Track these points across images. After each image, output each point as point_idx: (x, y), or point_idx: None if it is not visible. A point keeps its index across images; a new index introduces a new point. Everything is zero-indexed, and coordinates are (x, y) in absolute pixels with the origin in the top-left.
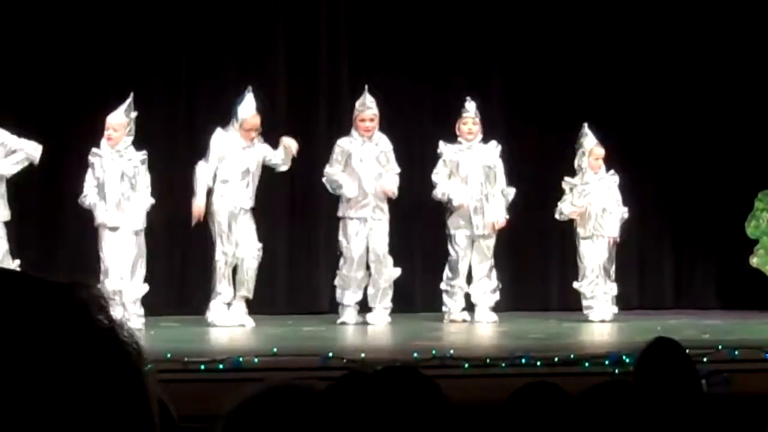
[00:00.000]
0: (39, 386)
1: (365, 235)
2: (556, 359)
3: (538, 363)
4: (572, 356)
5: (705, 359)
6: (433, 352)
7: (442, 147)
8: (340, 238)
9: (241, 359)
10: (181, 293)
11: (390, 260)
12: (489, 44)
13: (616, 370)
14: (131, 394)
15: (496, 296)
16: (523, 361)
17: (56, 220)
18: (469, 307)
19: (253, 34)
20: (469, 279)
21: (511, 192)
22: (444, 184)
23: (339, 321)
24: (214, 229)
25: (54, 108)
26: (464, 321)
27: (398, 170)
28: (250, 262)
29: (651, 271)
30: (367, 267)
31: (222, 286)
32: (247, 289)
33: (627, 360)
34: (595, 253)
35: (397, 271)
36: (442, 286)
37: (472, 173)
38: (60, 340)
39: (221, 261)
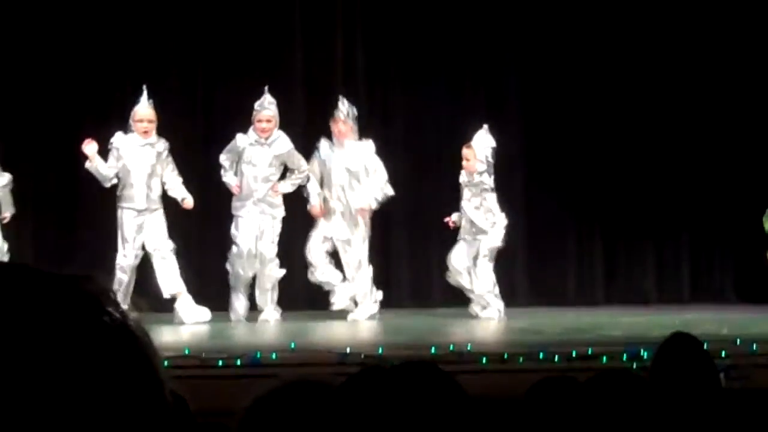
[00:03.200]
0: (53, 379)
1: (255, 233)
2: (573, 354)
3: (556, 358)
4: (590, 351)
5: (723, 354)
6: (451, 347)
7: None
8: (233, 230)
9: (258, 355)
10: (200, 289)
11: (276, 261)
12: (505, 47)
13: (634, 365)
14: (145, 386)
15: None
16: (541, 355)
17: (74, 213)
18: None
19: (271, 31)
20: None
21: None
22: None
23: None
24: None
25: (73, 103)
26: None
27: (304, 169)
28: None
29: (669, 266)
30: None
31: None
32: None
33: (644, 355)
34: None
35: (281, 272)
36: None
37: (337, 172)
38: (73, 333)
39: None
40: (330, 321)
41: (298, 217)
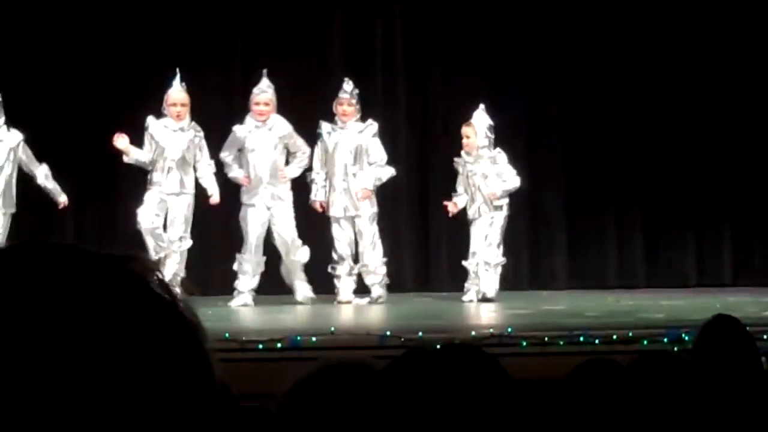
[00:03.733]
0: (102, 361)
1: (264, 221)
2: (614, 337)
3: (596, 341)
4: (630, 334)
5: (765, 337)
6: (491, 330)
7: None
8: (240, 221)
9: (299, 338)
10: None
11: (299, 242)
12: (545, 32)
13: (675, 348)
14: (196, 367)
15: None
16: (582, 339)
17: (113, 201)
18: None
19: (310, 20)
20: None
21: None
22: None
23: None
24: None
25: (109, 89)
26: (348, 302)
27: (306, 150)
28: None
29: (710, 249)
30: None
31: None
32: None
33: (686, 337)
34: None
35: (306, 253)
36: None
37: (341, 153)
38: (122, 313)
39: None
40: (367, 305)
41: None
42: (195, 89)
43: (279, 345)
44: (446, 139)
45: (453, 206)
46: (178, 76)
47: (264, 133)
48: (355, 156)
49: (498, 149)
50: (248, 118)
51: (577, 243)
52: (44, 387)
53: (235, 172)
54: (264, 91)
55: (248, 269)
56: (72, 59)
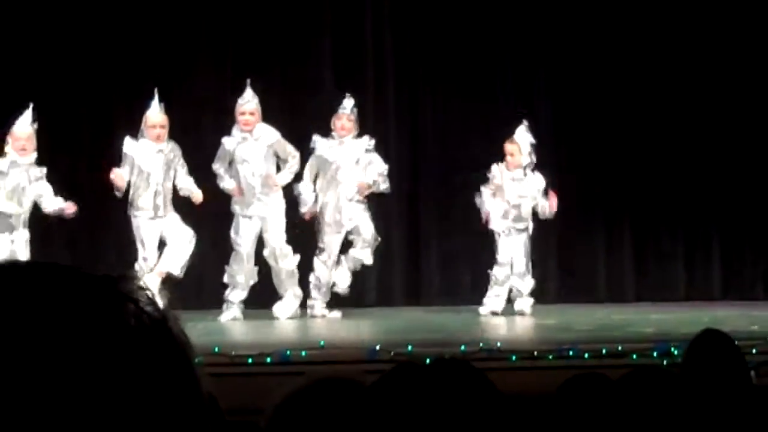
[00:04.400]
0: (88, 379)
1: (256, 232)
2: (603, 351)
3: (586, 355)
4: (620, 348)
5: (754, 350)
6: (480, 344)
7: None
8: (232, 233)
9: (288, 352)
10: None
11: (288, 250)
12: (535, 47)
13: (665, 362)
14: (184, 387)
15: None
16: (571, 353)
17: (104, 210)
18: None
19: (301, 32)
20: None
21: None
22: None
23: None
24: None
25: (99, 101)
26: (323, 316)
27: (295, 154)
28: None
29: (699, 263)
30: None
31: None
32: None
33: (675, 351)
34: None
35: (294, 261)
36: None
37: (339, 168)
38: (113, 333)
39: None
40: (357, 318)
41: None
42: (185, 101)
43: (269, 359)
44: (437, 151)
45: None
46: (156, 97)
47: (252, 143)
48: (352, 171)
49: (538, 173)
50: (235, 130)
51: (566, 257)
52: (33, 407)
53: (226, 183)
54: (248, 101)
55: (241, 281)
56: (61, 69)
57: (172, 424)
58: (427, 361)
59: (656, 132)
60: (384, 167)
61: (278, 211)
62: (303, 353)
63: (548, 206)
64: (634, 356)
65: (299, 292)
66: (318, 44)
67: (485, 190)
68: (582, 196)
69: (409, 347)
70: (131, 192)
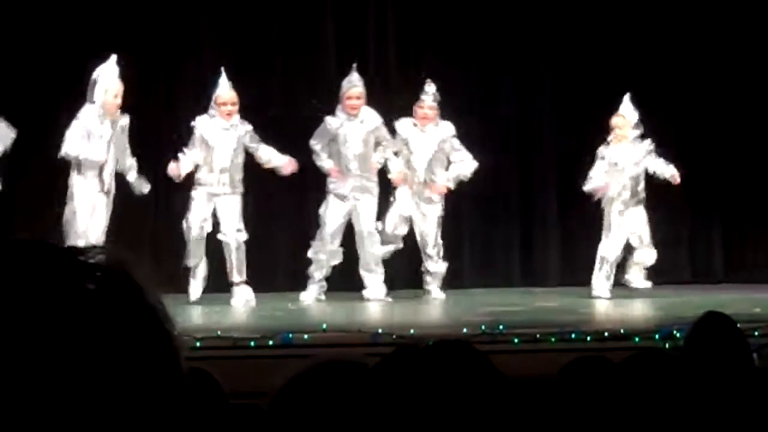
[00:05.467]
0: (66, 352)
1: (345, 213)
2: (606, 334)
3: (588, 338)
4: (622, 331)
5: (756, 333)
6: (482, 327)
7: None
8: (321, 211)
9: (291, 336)
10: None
11: (376, 237)
12: (537, 29)
13: (667, 345)
14: (161, 357)
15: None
16: (573, 336)
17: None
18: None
19: (302, 19)
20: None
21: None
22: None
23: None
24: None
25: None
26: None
27: (390, 138)
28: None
29: (701, 245)
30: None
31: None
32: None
33: (678, 334)
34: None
35: (383, 249)
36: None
37: (420, 155)
38: (85, 304)
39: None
40: (361, 302)
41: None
42: (189, 89)
43: (271, 342)
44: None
45: (602, 192)
46: (224, 75)
47: (356, 125)
48: (433, 157)
49: (649, 140)
50: (339, 111)
51: (569, 240)
52: (6, 382)
53: (324, 162)
54: (355, 85)
55: (323, 258)
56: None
57: (149, 395)
58: (429, 343)
59: (657, 115)
60: (467, 155)
61: (373, 196)
62: (305, 336)
63: (668, 170)
64: (637, 339)
65: (379, 279)
66: (321, 29)
67: (595, 172)
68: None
69: (412, 330)
70: (198, 168)
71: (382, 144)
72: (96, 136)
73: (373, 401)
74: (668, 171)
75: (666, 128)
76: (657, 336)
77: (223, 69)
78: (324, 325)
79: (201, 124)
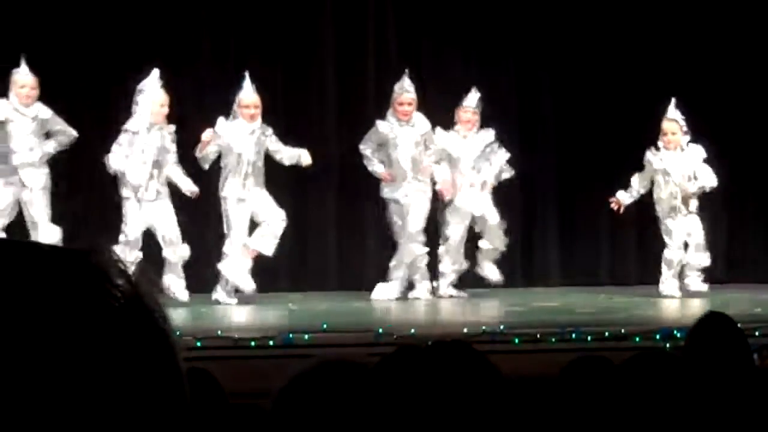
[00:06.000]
0: (58, 358)
1: (401, 215)
2: (606, 334)
3: (589, 338)
4: (623, 331)
5: (757, 333)
6: (483, 327)
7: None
8: (389, 219)
9: (291, 336)
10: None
11: (420, 237)
12: (537, 22)
13: (667, 345)
14: (160, 362)
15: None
16: (574, 336)
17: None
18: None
19: (302, 17)
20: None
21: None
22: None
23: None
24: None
25: (99, 84)
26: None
27: (434, 153)
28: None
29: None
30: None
31: None
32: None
33: (678, 334)
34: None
35: (422, 250)
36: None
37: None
38: (80, 307)
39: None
40: (361, 302)
41: (329, 200)
42: (187, 85)
43: (271, 342)
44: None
45: (616, 204)
46: (248, 78)
47: (407, 129)
48: (474, 163)
49: (698, 146)
50: (390, 115)
51: (569, 240)
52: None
53: (375, 167)
54: (407, 91)
55: (407, 261)
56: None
57: (146, 398)
58: (428, 343)
59: (657, 115)
60: (507, 155)
61: (426, 197)
62: (305, 336)
63: (708, 178)
64: (637, 339)
65: (403, 275)
66: (320, 31)
67: (639, 180)
68: (585, 178)
69: (413, 330)
70: (222, 173)
71: (430, 148)
72: (139, 150)
73: (374, 401)
74: (710, 182)
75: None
76: (657, 336)
77: (247, 73)
78: (325, 325)
79: (222, 127)
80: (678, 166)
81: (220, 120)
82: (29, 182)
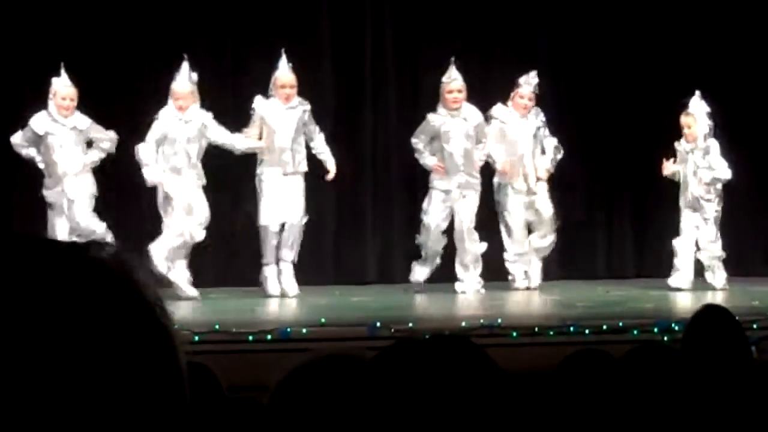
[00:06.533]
0: (58, 352)
1: (447, 207)
2: (604, 327)
3: (587, 331)
4: (621, 324)
5: (755, 326)
6: (481, 321)
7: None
8: (424, 205)
9: (289, 330)
10: (230, 264)
11: (475, 235)
12: (536, 17)
13: (665, 338)
14: (158, 357)
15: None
16: (572, 329)
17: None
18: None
19: (299, 15)
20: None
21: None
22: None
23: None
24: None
25: (104, 77)
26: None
27: (486, 144)
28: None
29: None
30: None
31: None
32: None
33: (676, 327)
34: None
35: (482, 246)
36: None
37: (522, 143)
38: (78, 300)
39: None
40: (359, 296)
41: (326, 194)
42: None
43: (269, 337)
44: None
45: (666, 169)
46: (284, 57)
47: (459, 122)
48: (533, 145)
49: (713, 139)
50: (440, 107)
51: (566, 233)
52: (4, 378)
53: (427, 159)
54: (455, 79)
55: (430, 252)
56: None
57: (145, 390)
58: (426, 337)
59: (658, 112)
60: (554, 139)
61: (476, 192)
62: (303, 330)
63: (724, 170)
64: (635, 332)
65: (475, 274)
66: (317, 26)
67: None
68: (583, 172)
69: (410, 324)
70: (262, 150)
71: (482, 141)
72: (171, 139)
73: (371, 395)
74: (725, 175)
75: (664, 122)
76: (656, 329)
77: (283, 51)
78: (323, 319)
79: (260, 104)
80: (695, 158)
81: (257, 98)
82: (72, 192)
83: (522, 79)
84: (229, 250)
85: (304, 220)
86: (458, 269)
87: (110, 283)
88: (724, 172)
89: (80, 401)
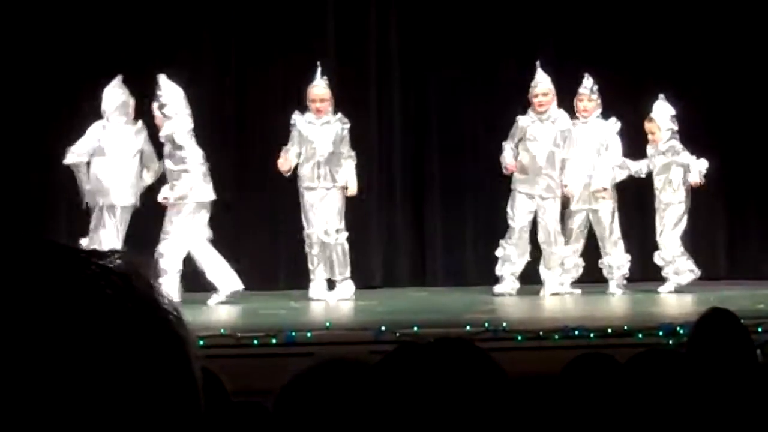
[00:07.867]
0: (70, 358)
1: (531, 210)
2: (609, 330)
3: (591, 335)
4: (625, 327)
5: (760, 329)
6: (486, 324)
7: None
8: (508, 209)
9: (294, 334)
10: (235, 268)
11: (560, 239)
12: (542, 20)
13: (670, 341)
14: (173, 364)
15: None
16: (576, 332)
17: None
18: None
19: (304, 16)
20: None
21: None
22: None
23: (496, 291)
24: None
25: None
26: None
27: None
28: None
29: (704, 242)
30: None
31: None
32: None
33: (681, 331)
34: None
35: (567, 250)
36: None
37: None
38: (94, 308)
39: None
40: (365, 299)
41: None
42: (188, 83)
43: (274, 341)
44: (440, 131)
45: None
46: (319, 71)
47: (547, 125)
48: (597, 150)
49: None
50: (530, 110)
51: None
52: (17, 385)
53: (504, 155)
54: (540, 82)
55: (512, 254)
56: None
57: (155, 398)
58: (430, 341)
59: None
60: (619, 156)
61: (557, 196)
62: (308, 335)
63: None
64: (640, 335)
65: (557, 277)
66: (321, 29)
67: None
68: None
69: (415, 328)
70: (298, 165)
71: (560, 146)
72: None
73: (375, 399)
74: (694, 174)
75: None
76: (660, 333)
77: (319, 63)
78: (328, 323)
79: (298, 119)
80: (658, 162)
81: (295, 114)
82: (119, 201)
83: (582, 85)
84: (233, 254)
85: (343, 235)
86: (542, 272)
87: (126, 292)
88: (693, 174)
89: (94, 411)
